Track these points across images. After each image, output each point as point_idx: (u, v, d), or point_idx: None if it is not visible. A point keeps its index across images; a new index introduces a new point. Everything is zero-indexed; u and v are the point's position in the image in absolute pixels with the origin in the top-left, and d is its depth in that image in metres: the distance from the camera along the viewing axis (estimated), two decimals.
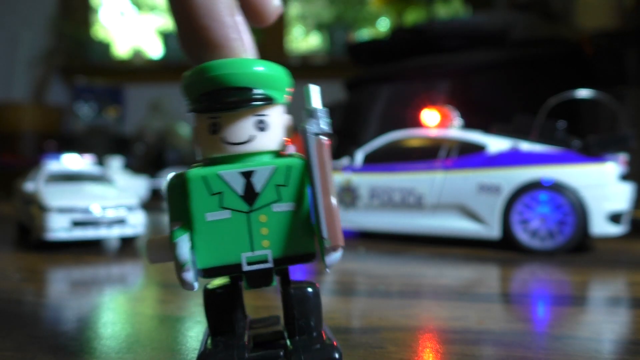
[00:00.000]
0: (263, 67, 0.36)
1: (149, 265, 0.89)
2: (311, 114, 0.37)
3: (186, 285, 0.36)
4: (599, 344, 0.49)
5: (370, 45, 2.00)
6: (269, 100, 0.36)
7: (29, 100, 3.18)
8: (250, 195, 0.36)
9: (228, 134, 0.36)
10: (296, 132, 0.38)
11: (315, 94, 0.37)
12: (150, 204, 1.83)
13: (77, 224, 0.96)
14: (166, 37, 3.30)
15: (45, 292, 0.70)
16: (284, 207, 0.37)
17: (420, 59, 1.74)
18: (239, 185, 0.36)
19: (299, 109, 0.39)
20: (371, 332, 0.51)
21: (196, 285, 0.37)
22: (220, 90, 0.35)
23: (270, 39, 3.16)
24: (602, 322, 0.57)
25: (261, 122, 0.37)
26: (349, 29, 3.24)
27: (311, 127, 0.36)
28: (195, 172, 0.36)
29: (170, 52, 3.27)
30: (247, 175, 0.36)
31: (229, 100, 0.35)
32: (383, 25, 3.36)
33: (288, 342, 0.39)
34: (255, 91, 0.36)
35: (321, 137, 0.37)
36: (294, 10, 3.44)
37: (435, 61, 1.71)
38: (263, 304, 0.60)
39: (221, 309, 0.39)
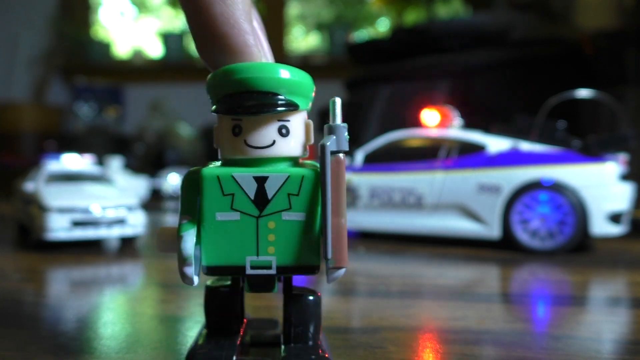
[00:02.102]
0: (289, 73, 0.36)
1: (149, 265, 0.89)
2: (332, 130, 0.36)
3: (186, 279, 0.37)
4: (599, 344, 0.49)
5: (370, 45, 2.00)
6: (293, 107, 0.36)
7: (29, 100, 3.18)
8: (261, 200, 0.36)
9: (250, 137, 0.36)
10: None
11: (339, 108, 0.37)
12: (150, 204, 1.83)
13: (77, 224, 0.96)
14: (166, 37, 3.30)
15: (45, 292, 0.70)
16: (294, 216, 0.37)
17: (420, 59, 1.74)
18: (251, 189, 0.36)
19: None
20: (371, 332, 0.51)
21: (196, 280, 0.37)
22: (245, 93, 0.35)
23: (270, 39, 3.16)
24: (602, 322, 0.57)
25: (284, 127, 0.37)
26: (349, 28, 3.24)
27: (330, 144, 0.36)
28: (211, 171, 0.36)
29: (170, 52, 3.27)
30: (261, 180, 0.36)
31: (254, 103, 0.35)
32: (383, 25, 3.36)
33: (282, 348, 0.38)
34: (281, 97, 0.36)
35: (339, 155, 0.36)
36: (294, 10, 3.44)
37: (435, 61, 1.71)
38: (263, 304, 0.60)
39: (220, 307, 0.39)
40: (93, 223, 0.97)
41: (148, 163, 2.65)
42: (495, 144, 1.05)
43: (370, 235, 1.15)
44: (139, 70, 3.35)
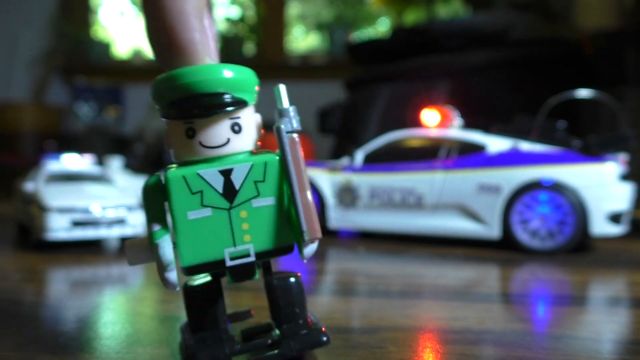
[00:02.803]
0: (234, 72, 0.37)
1: (149, 265, 0.89)
2: (282, 113, 0.38)
3: (169, 285, 0.37)
4: (599, 344, 0.49)
5: (370, 45, 2.00)
6: (242, 104, 0.37)
7: (29, 100, 3.18)
8: (230, 192, 0.37)
9: (205, 138, 0.37)
10: (268, 130, 0.39)
11: (284, 93, 0.39)
12: None
13: (77, 224, 0.96)
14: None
15: (45, 292, 0.70)
16: (263, 202, 0.38)
17: (420, 59, 1.74)
18: (218, 183, 0.37)
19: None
20: (371, 332, 0.51)
21: (177, 284, 0.38)
22: (194, 96, 0.36)
23: (270, 39, 3.16)
24: (602, 322, 0.57)
25: (236, 124, 0.38)
26: (349, 28, 3.24)
27: (284, 125, 0.38)
28: (175, 173, 0.37)
29: None
30: (226, 173, 0.37)
31: (205, 105, 0.36)
32: (383, 25, 3.36)
33: (276, 330, 0.40)
34: (229, 95, 0.37)
35: (293, 135, 0.38)
36: (294, 10, 3.44)
37: (435, 61, 1.71)
38: (264, 304, 0.60)
39: (203, 306, 0.40)
40: (93, 223, 0.97)
41: (148, 163, 2.65)
42: (495, 144, 1.05)
43: (370, 235, 1.15)
44: (139, 70, 3.34)
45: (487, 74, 1.65)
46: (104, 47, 3.39)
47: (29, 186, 1.06)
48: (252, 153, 0.39)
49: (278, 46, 3.18)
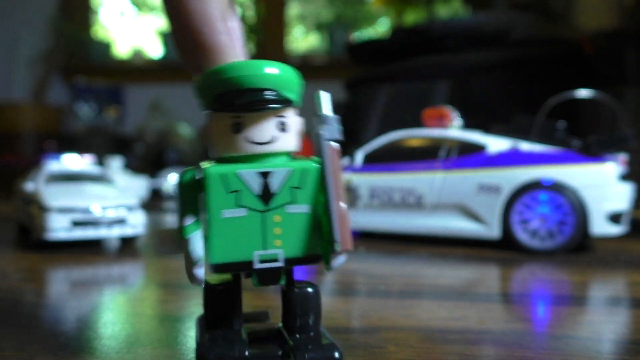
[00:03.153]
0: (284, 70, 0.37)
1: (149, 265, 0.89)
2: (323, 120, 0.38)
3: (196, 281, 0.37)
4: (599, 344, 0.49)
5: (370, 45, 2.00)
6: (290, 102, 0.38)
7: (29, 100, 3.18)
8: (266, 195, 0.37)
9: (252, 133, 0.37)
10: (306, 135, 0.39)
11: (325, 100, 0.38)
12: (150, 204, 1.83)
13: (77, 224, 0.96)
14: (166, 37, 3.30)
15: (45, 292, 0.70)
16: (298, 208, 0.38)
17: (420, 59, 1.74)
18: (256, 184, 0.37)
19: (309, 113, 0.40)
20: (371, 332, 0.51)
21: (203, 280, 0.37)
22: (246, 90, 0.36)
23: (270, 39, 3.16)
24: (602, 322, 0.57)
25: (282, 123, 0.38)
26: (348, 28, 3.24)
27: (325, 133, 0.38)
28: (214, 170, 0.37)
29: (170, 52, 3.27)
30: (265, 175, 0.37)
31: (257, 99, 0.36)
32: (383, 25, 3.36)
33: (288, 340, 0.39)
34: (279, 93, 0.37)
35: (333, 143, 0.38)
36: (294, 10, 3.44)
37: (435, 61, 1.71)
38: (264, 304, 0.60)
39: (221, 305, 0.40)
40: (93, 223, 0.97)
41: (148, 163, 2.65)
42: (495, 144, 1.05)
43: (370, 235, 1.15)
44: (139, 70, 3.35)
45: (487, 74, 1.65)
46: (104, 47, 3.39)
47: (29, 186, 1.06)
48: (291, 158, 0.39)
49: (278, 46, 3.18)
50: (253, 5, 3.26)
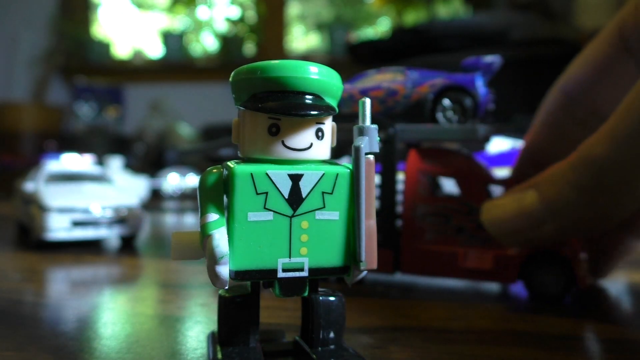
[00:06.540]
0: (326, 74, 0.35)
1: (149, 265, 0.89)
2: (363, 131, 0.35)
3: (220, 281, 0.34)
4: (598, 344, 0.49)
5: (370, 45, 2.01)
6: (334, 111, 0.35)
7: (29, 100, 3.18)
8: (295, 199, 0.35)
9: (290, 138, 0.35)
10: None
11: (368, 109, 0.35)
12: (150, 204, 1.83)
13: (77, 224, 0.96)
14: (166, 37, 3.30)
15: (45, 292, 0.70)
16: (327, 215, 0.35)
17: (420, 59, 1.74)
18: (285, 187, 0.35)
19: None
20: (371, 332, 0.51)
21: (228, 280, 0.35)
22: (290, 92, 0.34)
23: (270, 39, 3.16)
24: (602, 322, 0.57)
25: (320, 130, 0.36)
26: (349, 28, 3.24)
27: (364, 145, 0.35)
28: (243, 168, 0.34)
29: (170, 52, 3.27)
30: (295, 178, 0.35)
31: (299, 103, 0.34)
32: (383, 25, 3.36)
33: (310, 353, 0.37)
34: (323, 99, 0.35)
35: (370, 156, 0.36)
36: (294, 10, 3.44)
37: (435, 61, 1.71)
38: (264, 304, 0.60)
39: (237, 320, 0.37)
40: (93, 223, 0.97)
41: (148, 163, 2.65)
42: (495, 144, 1.05)
43: None
44: (139, 70, 3.35)
45: None
46: (104, 47, 3.39)
47: (29, 186, 1.06)
48: (322, 162, 0.37)
49: (278, 46, 3.18)
50: (253, 5, 3.27)
